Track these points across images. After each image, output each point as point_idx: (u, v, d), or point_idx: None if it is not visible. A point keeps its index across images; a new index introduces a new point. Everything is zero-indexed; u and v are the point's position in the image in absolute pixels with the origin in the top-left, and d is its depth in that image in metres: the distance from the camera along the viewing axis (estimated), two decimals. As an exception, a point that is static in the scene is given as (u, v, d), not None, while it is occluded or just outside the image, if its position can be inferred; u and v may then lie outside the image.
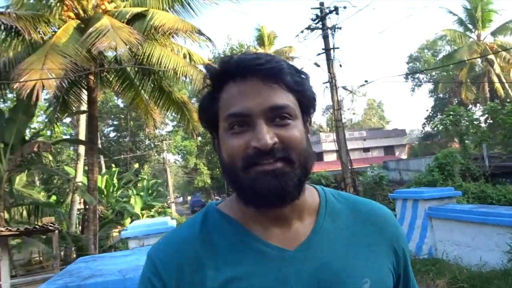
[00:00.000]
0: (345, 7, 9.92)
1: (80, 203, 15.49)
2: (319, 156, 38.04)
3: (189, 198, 63.95)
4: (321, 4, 10.40)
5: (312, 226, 0.78)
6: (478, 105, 25.93)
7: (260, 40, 26.15)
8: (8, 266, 9.31)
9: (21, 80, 7.11)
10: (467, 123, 11.23)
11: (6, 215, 11.21)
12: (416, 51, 39.67)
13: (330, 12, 10.07)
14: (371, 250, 0.78)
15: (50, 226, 8.04)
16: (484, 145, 11.05)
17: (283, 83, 0.73)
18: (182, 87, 11.91)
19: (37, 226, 8.29)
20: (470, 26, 21.85)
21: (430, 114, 35.96)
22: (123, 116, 35.49)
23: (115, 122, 37.65)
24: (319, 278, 0.72)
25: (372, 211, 0.84)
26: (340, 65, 11.16)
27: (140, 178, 24.67)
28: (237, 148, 0.72)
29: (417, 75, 38.36)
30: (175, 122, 34.91)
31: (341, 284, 0.72)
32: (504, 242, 5.07)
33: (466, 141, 11.90)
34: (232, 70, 0.74)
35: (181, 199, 72.97)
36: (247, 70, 0.72)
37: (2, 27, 8.13)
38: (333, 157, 36.36)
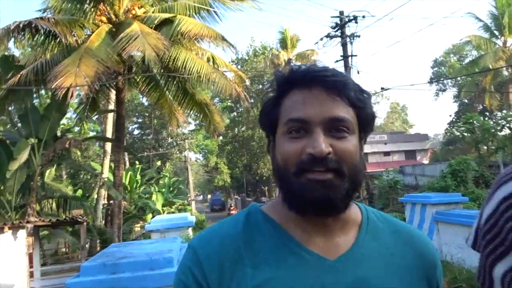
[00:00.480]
0: (364, 17, 10.18)
1: (104, 198, 16.16)
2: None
3: (209, 196, 64.90)
4: (341, 13, 10.68)
5: (353, 240, 0.79)
6: (504, 111, 25.53)
7: (283, 43, 26.44)
8: (39, 255, 9.96)
9: (56, 82, 7.65)
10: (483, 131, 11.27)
11: (37, 207, 11.89)
12: (442, 56, 39.10)
13: (349, 21, 10.35)
14: (409, 273, 0.79)
15: (79, 218, 8.61)
16: (500, 152, 11.05)
17: (346, 97, 0.75)
18: (206, 87, 12.32)
19: (67, 218, 8.84)
20: (496, 32, 21.58)
21: (454, 119, 35.39)
22: (147, 114, 36.37)
23: (140, 120, 38.62)
24: None
25: (412, 235, 0.85)
26: (358, 72, 11.35)
27: (162, 176, 25.35)
28: (292, 153, 0.74)
29: (443, 79, 37.78)
30: (197, 121, 35.59)
31: None
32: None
33: (484, 147, 11.91)
34: (299, 78, 0.77)
35: (201, 197, 74.04)
36: (313, 80, 0.75)
37: (42, 31, 8.72)
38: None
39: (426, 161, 37.43)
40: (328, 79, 0.74)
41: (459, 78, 34.02)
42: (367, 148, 36.79)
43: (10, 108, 11.14)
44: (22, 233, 8.15)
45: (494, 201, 0.74)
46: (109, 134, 15.79)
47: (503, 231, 0.69)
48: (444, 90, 39.15)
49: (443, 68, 38.74)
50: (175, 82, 11.87)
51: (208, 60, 11.17)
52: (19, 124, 11.38)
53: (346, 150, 0.73)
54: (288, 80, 0.79)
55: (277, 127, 0.79)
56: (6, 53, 9.67)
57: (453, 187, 9.72)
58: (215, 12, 10.91)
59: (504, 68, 20.85)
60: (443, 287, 0.86)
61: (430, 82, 37.71)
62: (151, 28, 9.50)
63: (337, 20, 10.67)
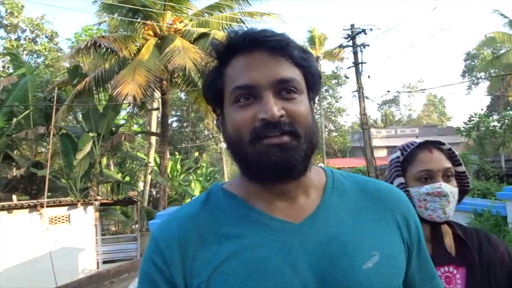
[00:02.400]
0: (371, 29, 11.57)
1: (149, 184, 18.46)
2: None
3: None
4: (352, 25, 12.12)
5: (318, 202, 0.77)
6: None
7: (311, 42, 27.74)
8: (100, 227, 12.21)
9: (117, 90, 9.69)
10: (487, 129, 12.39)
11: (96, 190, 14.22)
12: (474, 48, 38.90)
13: (359, 33, 11.75)
14: (380, 225, 0.77)
15: (134, 198, 10.70)
16: (501, 148, 12.12)
17: (290, 57, 0.72)
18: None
19: (125, 198, 10.98)
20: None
21: (486, 113, 35.40)
22: (185, 108, 38.79)
23: (178, 113, 41.13)
24: (325, 249, 0.71)
25: (381, 189, 0.83)
26: (369, 76, 12.76)
27: (199, 166, 27.53)
28: (243, 121, 0.71)
29: (475, 73, 37.72)
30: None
31: (348, 255, 0.71)
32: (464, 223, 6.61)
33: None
34: (238, 44, 0.73)
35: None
36: (254, 43, 0.71)
37: (103, 48, 10.79)
38: (383, 152, 36.93)
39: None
40: (269, 39, 0.71)
41: (492, 71, 34.02)
42: (397, 141, 37.46)
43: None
44: (90, 208, 10.33)
45: (388, 160, 1.36)
46: (153, 128, 18.00)
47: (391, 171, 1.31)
48: (477, 84, 39.08)
49: (476, 61, 38.57)
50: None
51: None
52: (82, 121, 13.69)
53: (298, 111, 0.71)
54: (227, 47, 0.74)
55: (223, 99, 0.76)
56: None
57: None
58: (244, 24, 12.65)
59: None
60: (422, 231, 0.85)
61: (463, 73, 37.69)
62: (190, 41, 11.38)
63: (349, 32, 12.12)
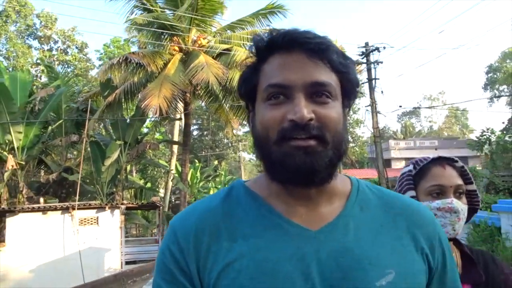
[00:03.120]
0: (384, 47, 12.12)
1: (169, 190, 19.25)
2: (387, 163, 38.68)
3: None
4: (366, 44, 12.70)
5: (339, 211, 0.76)
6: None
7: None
8: (125, 229, 13.00)
9: (145, 102, 10.49)
10: (498, 143, 12.68)
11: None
12: (497, 61, 38.66)
13: (373, 50, 12.31)
14: (401, 243, 0.75)
15: (157, 203, 11.43)
16: (512, 163, 12.41)
17: (328, 61, 0.72)
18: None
19: (149, 203, 11.73)
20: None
21: (507, 126, 35.06)
22: (205, 117, 39.79)
23: (199, 121, 42.21)
24: (339, 261, 0.70)
25: (406, 207, 0.80)
26: (382, 92, 13.29)
27: (218, 174, 28.30)
28: (273, 120, 0.71)
29: (497, 85, 37.46)
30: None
31: (361, 270, 0.70)
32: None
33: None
34: (278, 42, 0.73)
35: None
36: (293, 43, 0.71)
37: (134, 63, 11.65)
38: (401, 164, 36.91)
39: (479, 167, 37.27)
40: (309, 41, 0.71)
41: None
42: (415, 154, 37.43)
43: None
44: (117, 212, 11.11)
45: (400, 174, 1.35)
46: (175, 136, 18.84)
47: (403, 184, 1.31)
48: (499, 97, 38.77)
49: (498, 74, 38.29)
50: (231, 97, 14.45)
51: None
52: (111, 130, 14.59)
53: (329, 117, 0.70)
54: (267, 44, 0.74)
55: (256, 95, 0.76)
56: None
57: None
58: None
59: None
60: (450, 252, 0.81)
61: (484, 86, 37.48)
62: (213, 57, 12.14)
63: (363, 50, 12.69)
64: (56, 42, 33.88)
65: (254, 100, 0.77)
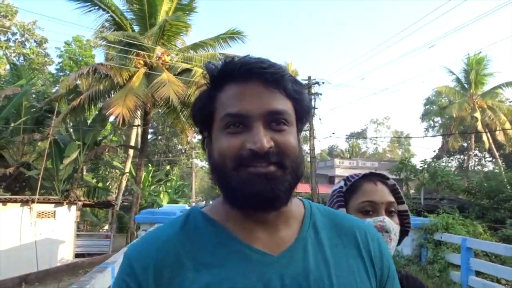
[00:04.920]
0: (323, 82, 14.22)
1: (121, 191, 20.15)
2: (331, 180, 40.92)
3: (211, 202, 69.11)
4: (309, 77, 14.75)
5: (296, 235, 0.78)
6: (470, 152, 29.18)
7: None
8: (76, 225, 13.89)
9: (109, 110, 11.69)
10: (410, 171, 15.12)
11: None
12: (433, 95, 42.72)
13: (314, 84, 14.30)
14: (353, 261, 0.78)
15: (112, 202, 12.53)
16: (421, 189, 14.79)
17: (284, 90, 0.73)
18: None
19: (104, 201, 12.80)
20: (466, 85, 25.28)
21: (438, 154, 38.77)
22: (160, 122, 40.53)
23: (154, 124, 42.84)
24: (302, 284, 0.72)
25: (353, 226, 0.84)
26: (320, 119, 15.28)
27: (169, 179, 29.28)
28: (231, 148, 0.71)
29: (433, 117, 41.29)
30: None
31: None
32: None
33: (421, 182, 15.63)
34: (234, 71, 0.73)
35: (204, 202, 77.99)
36: (250, 72, 0.72)
37: (101, 74, 12.79)
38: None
39: (412, 190, 40.77)
40: (266, 71, 0.72)
41: (447, 117, 37.61)
42: (357, 172, 40.21)
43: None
44: (73, 207, 12.10)
45: (331, 191, 1.32)
46: (132, 141, 19.85)
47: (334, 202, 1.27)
48: (433, 127, 42.82)
49: (434, 106, 42.31)
50: (188, 110, 15.85)
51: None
52: (72, 132, 15.47)
53: (287, 143, 0.72)
54: (222, 73, 0.75)
55: (212, 123, 0.76)
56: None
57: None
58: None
59: (470, 117, 24.52)
60: (395, 270, 0.86)
61: (422, 117, 41.16)
62: (175, 74, 13.54)
63: (306, 82, 14.64)
64: (14, 34, 33.52)
65: (209, 127, 0.77)
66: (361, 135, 68.06)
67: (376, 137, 66.11)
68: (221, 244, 0.75)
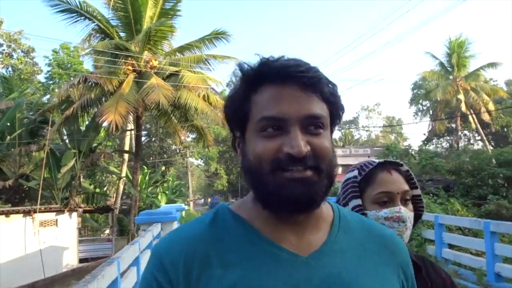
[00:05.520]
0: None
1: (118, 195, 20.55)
2: (326, 170, 41.54)
3: (209, 200, 69.59)
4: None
5: (326, 236, 0.78)
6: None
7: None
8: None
9: (102, 118, 12.07)
10: (396, 157, 15.71)
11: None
12: (420, 80, 43.33)
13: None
14: (382, 269, 0.78)
15: (111, 206, 12.94)
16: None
17: (320, 94, 0.74)
18: (200, 118, 16.51)
19: (103, 206, 13.20)
20: (449, 69, 25.84)
21: (428, 137, 39.45)
22: (153, 123, 40.82)
23: (147, 126, 43.09)
24: (330, 286, 0.71)
25: (385, 235, 0.84)
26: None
27: (166, 179, 29.68)
28: (268, 151, 0.71)
29: (421, 101, 41.92)
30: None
31: None
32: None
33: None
34: (272, 74, 0.73)
35: (202, 200, 78.42)
36: (287, 76, 0.72)
37: (91, 82, 13.14)
38: (338, 170, 40.10)
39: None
40: (303, 75, 0.72)
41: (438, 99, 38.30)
42: (350, 160, 41.03)
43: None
44: (74, 214, 12.51)
45: (342, 180, 1.28)
46: (126, 145, 20.21)
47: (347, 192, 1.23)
48: (422, 111, 43.49)
49: (422, 90, 42.94)
50: (179, 112, 16.24)
51: (204, 98, 15.51)
52: (67, 140, 15.82)
53: (323, 147, 0.72)
54: (259, 75, 0.75)
55: (246, 124, 0.76)
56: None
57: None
58: (209, 63, 15.43)
59: (455, 100, 25.12)
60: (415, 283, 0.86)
61: (410, 101, 41.82)
62: (163, 78, 13.92)
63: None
64: (0, 45, 33.55)
65: (243, 128, 0.77)
66: (353, 122, 68.79)
67: (366, 126, 66.74)
68: (249, 243, 0.75)
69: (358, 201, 1.19)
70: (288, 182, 0.70)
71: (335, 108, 0.77)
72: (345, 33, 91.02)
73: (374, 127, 66.06)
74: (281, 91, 0.73)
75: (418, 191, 1.26)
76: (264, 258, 0.73)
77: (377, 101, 76.25)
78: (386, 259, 0.80)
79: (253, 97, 0.75)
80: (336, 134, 66.20)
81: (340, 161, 40.53)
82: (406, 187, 1.19)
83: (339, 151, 43.89)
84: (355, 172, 1.24)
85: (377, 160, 1.24)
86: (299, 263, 0.73)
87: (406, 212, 1.16)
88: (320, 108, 0.74)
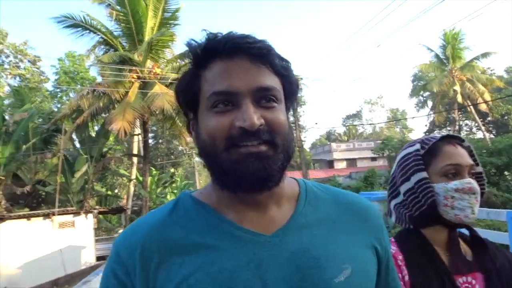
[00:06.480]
0: (301, 78, 15.43)
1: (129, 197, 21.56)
2: (330, 164, 42.13)
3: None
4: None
5: (290, 213, 0.76)
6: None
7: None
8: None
9: (111, 125, 12.98)
10: (392, 150, 16.51)
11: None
12: (420, 71, 43.77)
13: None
14: (353, 238, 0.77)
15: (124, 207, 13.87)
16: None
17: (271, 66, 0.71)
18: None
19: (117, 207, 14.13)
20: (444, 61, 26.39)
21: (430, 128, 39.96)
22: (160, 126, 41.81)
23: (153, 128, 44.11)
24: (297, 262, 0.70)
25: (355, 202, 0.83)
26: (303, 111, 16.45)
27: (174, 180, 30.68)
28: (220, 127, 0.69)
29: (421, 92, 42.42)
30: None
31: (320, 268, 0.70)
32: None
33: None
34: (219, 48, 0.71)
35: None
36: (235, 48, 0.70)
37: (100, 92, 14.06)
38: (343, 164, 40.70)
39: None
40: (252, 46, 0.70)
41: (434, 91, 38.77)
42: (355, 154, 41.62)
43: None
44: (90, 216, 13.43)
45: (399, 157, 1.20)
46: (134, 149, 21.17)
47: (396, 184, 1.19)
48: (423, 102, 43.98)
49: (421, 82, 43.41)
50: (183, 115, 17.11)
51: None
52: (78, 146, 16.79)
53: (277, 121, 0.70)
54: (206, 51, 0.72)
55: (198, 103, 0.74)
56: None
57: (363, 187, 14.58)
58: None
59: (452, 91, 25.69)
60: (390, 248, 0.84)
61: (411, 94, 42.28)
62: (166, 85, 14.79)
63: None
64: (7, 56, 34.63)
65: (195, 108, 0.75)
66: (356, 116, 69.24)
67: (366, 123, 67.21)
68: (211, 226, 0.73)
69: (423, 174, 1.14)
70: (242, 157, 0.68)
71: (287, 82, 0.75)
72: (345, 26, 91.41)
73: (372, 124, 66.52)
74: (230, 64, 0.71)
75: (480, 168, 1.21)
76: (226, 240, 0.72)
77: (380, 94, 76.56)
78: (357, 226, 0.79)
79: (202, 74, 0.73)
80: (341, 129, 66.82)
81: (343, 155, 41.19)
82: (471, 161, 1.15)
83: (342, 146, 44.30)
84: (417, 146, 1.19)
85: (438, 135, 1.20)
86: (262, 242, 0.72)
87: (476, 184, 1.12)
88: (271, 80, 0.72)
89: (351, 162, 41.32)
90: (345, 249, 0.75)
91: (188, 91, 0.76)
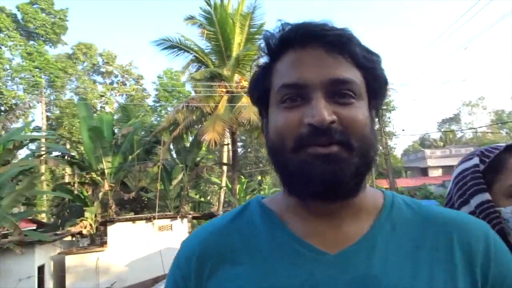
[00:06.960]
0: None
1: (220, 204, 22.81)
2: (424, 172, 39.85)
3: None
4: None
5: (366, 230, 0.66)
6: None
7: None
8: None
9: (204, 136, 14.04)
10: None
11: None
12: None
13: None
14: (442, 268, 0.62)
15: (215, 213, 14.82)
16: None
17: (350, 56, 0.63)
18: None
19: (209, 212, 15.14)
20: None
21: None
22: (248, 135, 43.42)
23: (242, 138, 45.93)
24: None
25: (449, 223, 0.67)
26: (389, 117, 15.85)
27: (262, 188, 31.59)
28: (288, 125, 0.62)
29: None
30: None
31: None
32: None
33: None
34: (291, 36, 0.65)
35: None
36: (309, 36, 0.63)
37: (193, 107, 15.30)
38: (438, 172, 38.20)
39: None
40: (327, 34, 0.62)
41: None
42: (453, 161, 38.73)
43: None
44: (185, 220, 14.58)
45: (455, 173, 1.03)
46: (224, 158, 22.40)
47: (466, 192, 0.99)
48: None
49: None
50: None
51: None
52: (175, 156, 18.35)
53: (353, 118, 0.61)
54: (280, 40, 0.66)
55: (269, 98, 0.68)
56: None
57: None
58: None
59: None
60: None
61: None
62: (253, 97, 15.54)
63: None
64: (116, 76, 38.88)
65: (267, 105, 0.69)
66: (454, 120, 64.38)
67: (465, 127, 62.10)
68: (271, 237, 0.68)
69: (485, 196, 0.95)
70: (309, 159, 0.61)
71: (372, 77, 0.66)
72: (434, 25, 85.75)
73: (475, 128, 61.32)
74: (302, 54, 0.64)
75: None
76: (284, 254, 0.65)
77: (481, 95, 70.22)
78: (450, 255, 0.64)
79: (275, 67, 0.68)
80: (436, 134, 62.70)
81: (438, 162, 38.56)
82: None
83: (437, 152, 41.60)
84: (476, 160, 1.00)
85: (502, 144, 1.00)
86: (324, 262, 0.63)
87: None
88: (349, 73, 0.63)
89: (448, 169, 38.57)
90: (428, 283, 0.62)
91: (260, 86, 0.71)
